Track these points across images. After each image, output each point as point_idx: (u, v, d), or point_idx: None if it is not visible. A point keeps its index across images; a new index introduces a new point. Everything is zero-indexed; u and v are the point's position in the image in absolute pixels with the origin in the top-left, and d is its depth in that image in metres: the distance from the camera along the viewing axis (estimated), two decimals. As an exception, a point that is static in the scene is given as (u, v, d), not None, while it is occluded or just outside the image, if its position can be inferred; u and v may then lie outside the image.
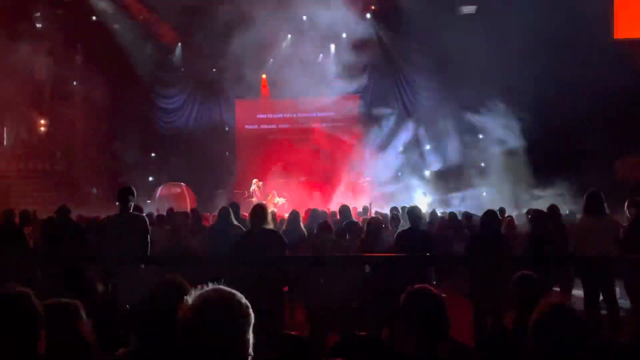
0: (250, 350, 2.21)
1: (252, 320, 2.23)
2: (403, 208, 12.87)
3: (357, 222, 8.92)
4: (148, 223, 7.49)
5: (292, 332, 3.79)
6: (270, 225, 7.30)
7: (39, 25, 22.25)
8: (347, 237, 8.11)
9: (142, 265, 6.80)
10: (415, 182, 21.83)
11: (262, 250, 6.80)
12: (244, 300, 2.24)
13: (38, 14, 22.22)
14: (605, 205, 7.76)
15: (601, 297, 7.52)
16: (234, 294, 2.25)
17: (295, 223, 8.92)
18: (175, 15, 22.25)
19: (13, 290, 2.37)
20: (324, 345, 5.65)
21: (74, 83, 23.34)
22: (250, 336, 2.22)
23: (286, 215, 15.11)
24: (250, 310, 2.24)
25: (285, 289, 7.15)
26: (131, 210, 7.40)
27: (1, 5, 20.50)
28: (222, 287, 2.27)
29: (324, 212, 12.23)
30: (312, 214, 11.34)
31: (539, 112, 19.26)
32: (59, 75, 22.23)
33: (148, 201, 21.22)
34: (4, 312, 2.29)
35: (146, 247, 7.24)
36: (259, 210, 7.16)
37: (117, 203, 7.34)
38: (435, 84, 22.94)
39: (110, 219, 7.55)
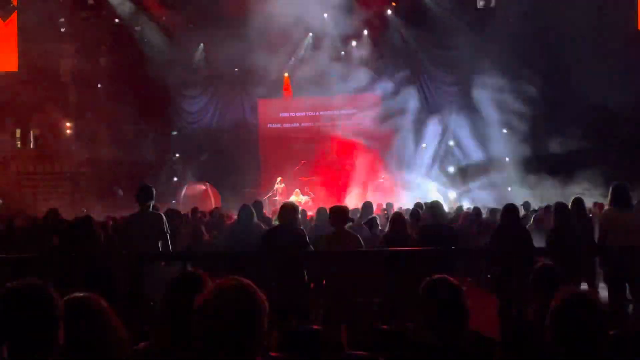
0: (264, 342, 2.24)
1: (265, 311, 2.25)
2: (427, 204, 12.83)
3: (377, 217, 8.95)
4: (166, 221, 7.57)
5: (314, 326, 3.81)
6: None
7: (63, 29, 22.51)
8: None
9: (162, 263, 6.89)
10: (439, 178, 21.74)
11: (284, 247, 6.86)
12: (258, 291, 2.27)
13: (62, 18, 22.49)
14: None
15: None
16: (247, 285, 2.27)
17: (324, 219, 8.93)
18: (197, 15, 22.34)
19: (30, 282, 2.42)
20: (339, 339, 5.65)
21: (99, 85, 23.56)
22: (264, 327, 2.25)
23: (310, 213, 15.24)
24: (264, 302, 2.26)
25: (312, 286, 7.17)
26: (150, 209, 7.50)
27: (26, 9, 20.78)
28: (237, 278, 2.30)
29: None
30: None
31: (564, 104, 19.11)
32: (84, 78, 22.46)
33: (173, 201, 21.38)
34: (21, 303, 2.33)
35: (166, 244, 7.32)
36: (289, 209, 7.26)
37: (137, 202, 7.44)
38: (457, 78, 22.88)
39: (130, 217, 7.66)
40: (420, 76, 24.13)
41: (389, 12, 23.70)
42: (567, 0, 18.72)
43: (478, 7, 21.29)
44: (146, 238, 7.14)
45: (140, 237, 7.16)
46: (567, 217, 7.64)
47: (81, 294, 2.83)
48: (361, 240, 7.22)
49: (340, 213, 7.28)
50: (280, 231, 7.13)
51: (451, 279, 3.27)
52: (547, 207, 11.49)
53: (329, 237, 7.19)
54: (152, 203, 7.52)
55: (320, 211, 9.86)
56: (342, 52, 24.19)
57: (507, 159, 21.86)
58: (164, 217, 7.60)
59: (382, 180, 21.53)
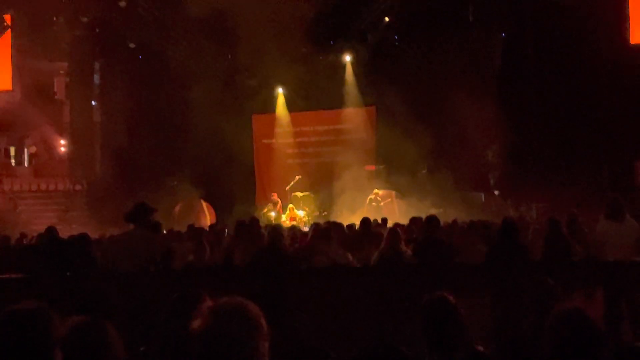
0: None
1: (265, 331, 2.25)
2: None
3: (375, 233, 8.96)
4: (158, 240, 7.49)
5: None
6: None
7: (57, 46, 22.56)
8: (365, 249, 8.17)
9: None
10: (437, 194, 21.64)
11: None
12: (257, 310, 2.26)
13: (57, 34, 22.55)
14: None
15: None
16: (246, 304, 2.27)
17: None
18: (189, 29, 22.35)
19: (28, 306, 2.41)
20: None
21: (93, 103, 23.58)
22: (265, 347, 2.24)
23: (306, 229, 15.21)
24: (263, 321, 2.26)
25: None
26: (147, 227, 7.44)
27: (20, 28, 20.84)
28: (235, 297, 2.29)
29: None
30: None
31: (555, 117, 19.21)
32: (78, 95, 22.50)
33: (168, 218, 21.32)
34: (18, 328, 2.33)
35: (154, 262, 7.24)
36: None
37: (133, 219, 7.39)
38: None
39: (120, 235, 7.62)
40: (417, 89, 24.06)
41: (386, 18, 23.64)
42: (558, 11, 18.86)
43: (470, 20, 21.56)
44: (133, 257, 7.07)
45: (127, 256, 7.11)
46: (558, 230, 7.65)
47: (86, 318, 2.83)
48: (349, 256, 7.29)
49: (325, 230, 7.37)
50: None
51: (449, 296, 3.28)
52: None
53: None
54: (147, 220, 7.44)
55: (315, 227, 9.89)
56: (337, 66, 24.28)
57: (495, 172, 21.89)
58: (154, 237, 7.49)
59: (375, 195, 21.46)
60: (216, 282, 7.07)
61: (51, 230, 9.72)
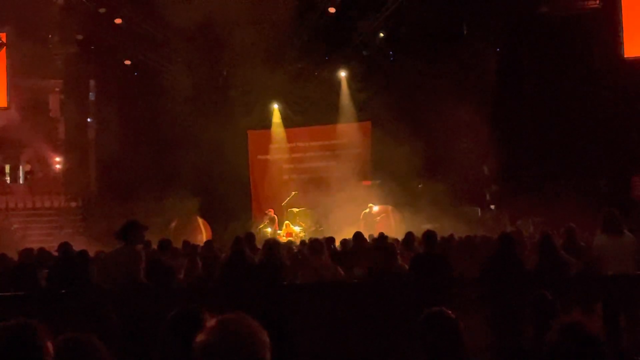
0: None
1: (267, 346, 2.23)
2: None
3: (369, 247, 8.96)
4: (144, 258, 7.44)
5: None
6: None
7: (52, 63, 22.59)
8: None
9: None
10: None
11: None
12: (259, 326, 2.25)
13: (52, 52, 22.59)
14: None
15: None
16: (249, 320, 2.25)
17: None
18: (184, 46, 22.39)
19: (17, 323, 2.38)
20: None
21: (88, 120, 23.57)
22: None
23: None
24: (266, 337, 2.24)
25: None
26: (138, 244, 7.39)
27: (15, 46, 20.87)
28: (237, 313, 2.27)
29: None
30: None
31: (551, 131, 19.26)
32: (73, 113, 22.49)
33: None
34: (6, 344, 2.30)
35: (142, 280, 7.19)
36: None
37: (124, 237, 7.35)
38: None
39: (110, 253, 7.59)
40: (412, 104, 24.08)
41: (381, 34, 23.72)
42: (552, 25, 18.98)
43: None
44: (121, 275, 7.02)
45: (115, 273, 7.08)
46: (552, 245, 7.62)
47: (75, 334, 2.80)
48: (340, 271, 7.28)
49: (317, 245, 7.36)
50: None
51: (448, 311, 3.26)
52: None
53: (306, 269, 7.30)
54: (135, 238, 7.36)
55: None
56: (332, 81, 24.32)
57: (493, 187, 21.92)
58: (141, 254, 7.40)
59: (369, 210, 21.44)
60: (210, 298, 7.06)
61: (66, 247, 9.71)
